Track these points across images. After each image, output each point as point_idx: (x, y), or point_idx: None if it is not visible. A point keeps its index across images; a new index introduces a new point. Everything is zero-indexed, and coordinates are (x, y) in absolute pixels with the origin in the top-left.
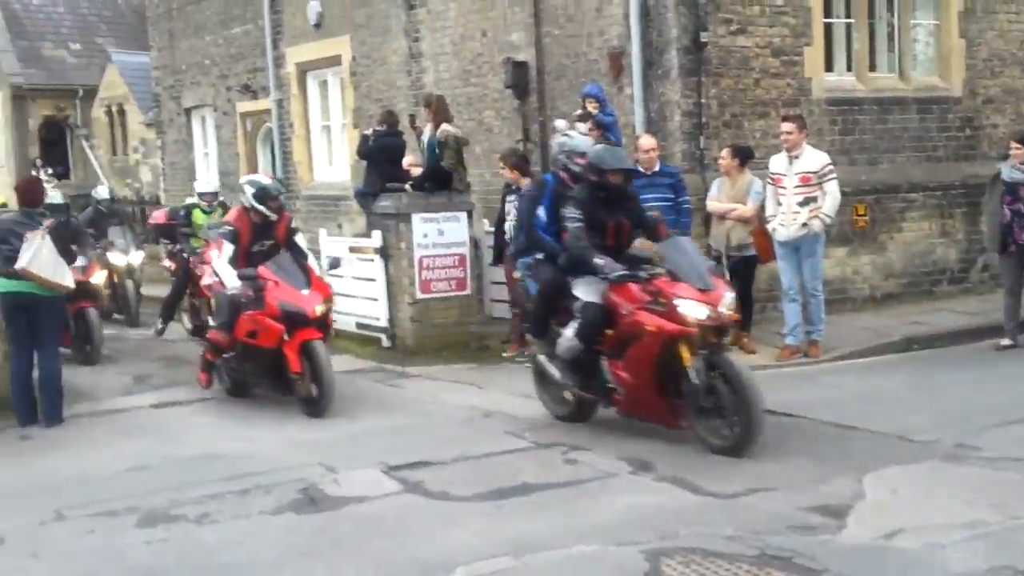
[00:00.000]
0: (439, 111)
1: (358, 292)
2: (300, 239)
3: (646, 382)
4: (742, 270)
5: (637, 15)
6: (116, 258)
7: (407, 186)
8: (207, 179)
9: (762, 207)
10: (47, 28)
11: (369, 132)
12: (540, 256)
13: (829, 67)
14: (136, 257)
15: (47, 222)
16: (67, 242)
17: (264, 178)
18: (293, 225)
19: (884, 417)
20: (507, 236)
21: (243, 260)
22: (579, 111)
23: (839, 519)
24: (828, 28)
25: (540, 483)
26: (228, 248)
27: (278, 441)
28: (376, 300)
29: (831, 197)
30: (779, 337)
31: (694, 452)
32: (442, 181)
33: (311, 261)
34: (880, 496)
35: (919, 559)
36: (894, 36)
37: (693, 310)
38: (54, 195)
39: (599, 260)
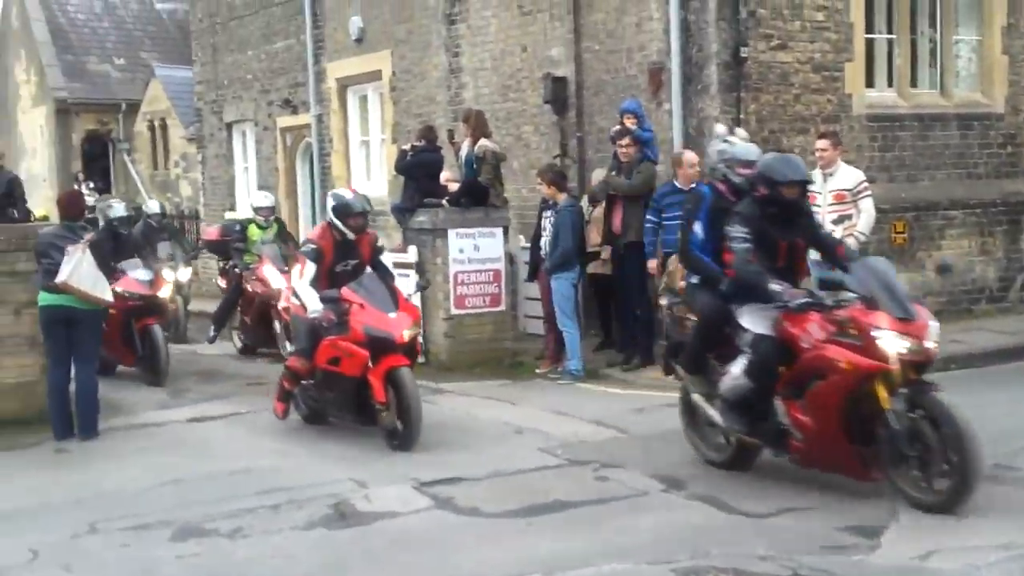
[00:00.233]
0: (478, 126)
1: None
2: (386, 258)
3: (832, 427)
4: None
5: (677, 30)
6: (166, 274)
7: (444, 201)
8: (264, 193)
9: None
10: (92, 43)
11: (407, 148)
12: (695, 280)
13: (870, 83)
14: (185, 273)
15: (88, 236)
16: (109, 256)
17: (347, 192)
18: (379, 243)
19: None
20: (542, 252)
21: (325, 281)
22: (617, 126)
23: (873, 539)
24: (869, 44)
25: (572, 500)
26: (310, 268)
27: (310, 456)
28: None
29: (866, 215)
30: None
31: (726, 472)
32: (479, 196)
33: (398, 282)
34: (915, 517)
35: None
36: (936, 52)
37: (894, 343)
38: (118, 207)
39: (776, 286)
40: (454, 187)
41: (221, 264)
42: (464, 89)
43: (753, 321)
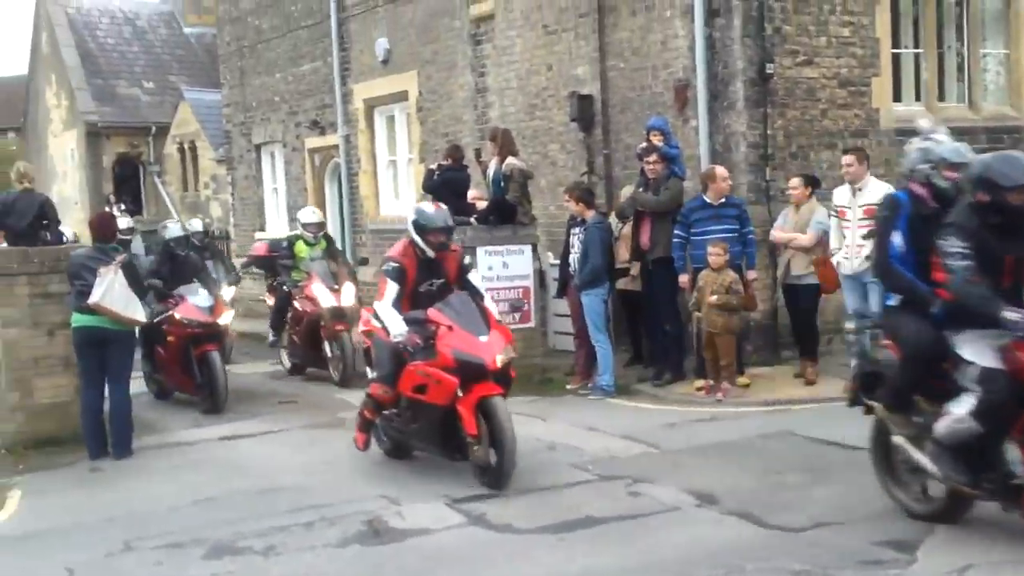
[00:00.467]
0: (504, 144)
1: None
2: (475, 277)
3: None
4: (801, 299)
5: (703, 47)
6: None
7: (472, 219)
8: (311, 208)
9: (827, 238)
10: (121, 67)
11: (434, 167)
12: (894, 302)
13: (897, 97)
14: (228, 292)
15: (119, 257)
16: (140, 278)
17: (428, 206)
18: (466, 261)
19: None
20: (571, 269)
21: (408, 302)
22: (644, 144)
23: (909, 554)
24: (896, 58)
25: (604, 516)
26: (391, 288)
27: (343, 473)
28: None
29: None
30: (845, 369)
31: (759, 485)
32: (507, 214)
33: (487, 302)
34: (951, 531)
35: None
36: (963, 66)
37: None
38: (174, 227)
39: (1012, 314)
40: (482, 205)
41: (269, 281)
42: (490, 108)
43: (976, 352)
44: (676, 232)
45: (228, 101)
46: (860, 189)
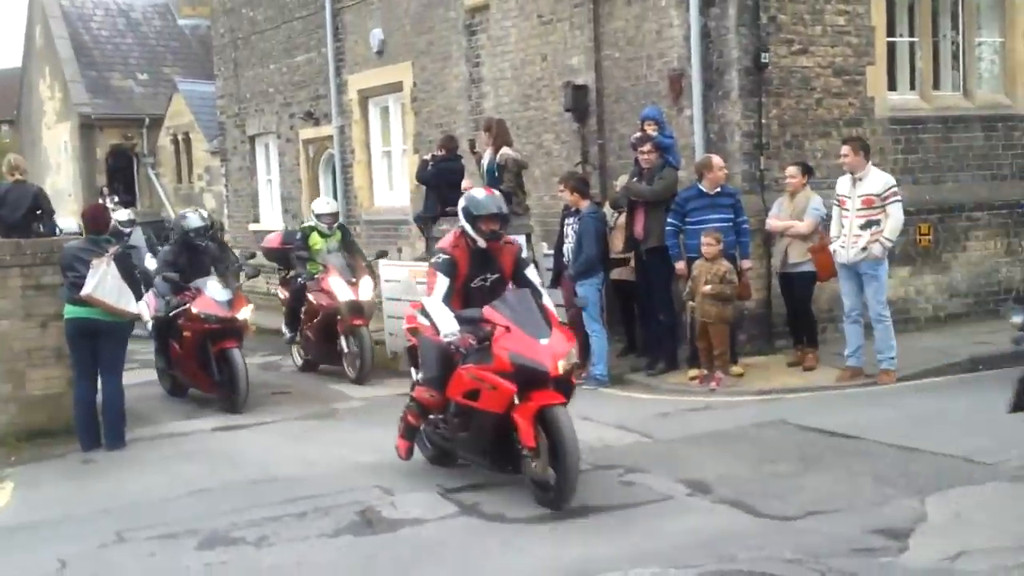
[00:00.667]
0: (499, 135)
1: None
2: (533, 272)
3: None
4: (798, 286)
5: (698, 37)
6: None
7: None
8: (326, 199)
9: (826, 226)
10: (115, 58)
11: (428, 157)
12: None
13: (892, 86)
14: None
15: (112, 249)
16: (133, 270)
17: (479, 191)
18: (524, 254)
19: (948, 438)
20: (565, 259)
21: (458, 299)
22: (638, 133)
23: (901, 541)
24: (891, 47)
25: (597, 505)
26: (441, 282)
27: (336, 463)
28: None
29: (892, 220)
30: (840, 358)
31: (752, 474)
32: None
33: (546, 300)
34: (943, 518)
35: None
36: (958, 54)
37: None
38: (193, 217)
39: None
40: None
41: (282, 274)
42: (485, 99)
43: None
44: (669, 220)
45: (222, 92)
46: (860, 179)
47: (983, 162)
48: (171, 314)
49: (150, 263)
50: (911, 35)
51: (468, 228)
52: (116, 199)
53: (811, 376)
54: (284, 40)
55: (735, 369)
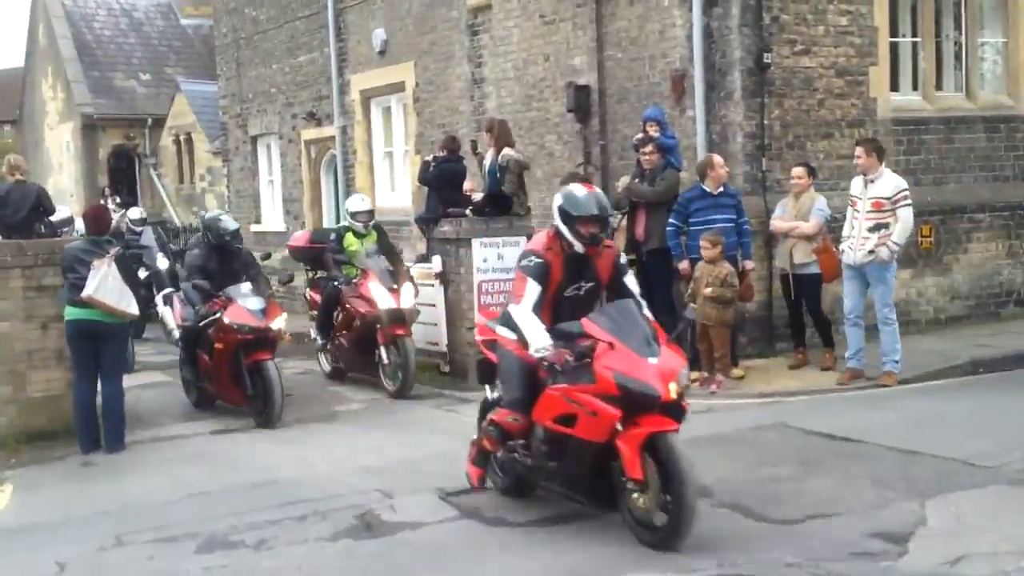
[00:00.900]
0: (501, 135)
1: (418, 317)
2: (632, 280)
3: None
4: (806, 288)
5: (700, 37)
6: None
7: (468, 211)
8: (360, 196)
9: (831, 227)
10: (118, 59)
11: (430, 158)
12: None
13: (895, 87)
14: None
15: (113, 250)
16: (134, 271)
17: (579, 189)
18: (623, 259)
19: (948, 442)
20: None
21: (547, 310)
22: (640, 134)
23: (901, 545)
24: (894, 47)
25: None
26: (532, 289)
27: (335, 467)
28: (436, 325)
29: (901, 224)
30: (841, 360)
31: (753, 477)
32: (503, 206)
33: (646, 310)
34: (944, 522)
35: None
36: (961, 55)
37: None
38: (227, 220)
39: None
40: (477, 197)
41: (310, 275)
42: (487, 99)
43: None
44: (671, 221)
45: (224, 93)
46: (872, 181)
47: (985, 163)
48: (200, 324)
49: (162, 263)
50: (914, 35)
51: (564, 230)
52: (118, 200)
53: (811, 379)
54: (286, 40)
55: (735, 372)
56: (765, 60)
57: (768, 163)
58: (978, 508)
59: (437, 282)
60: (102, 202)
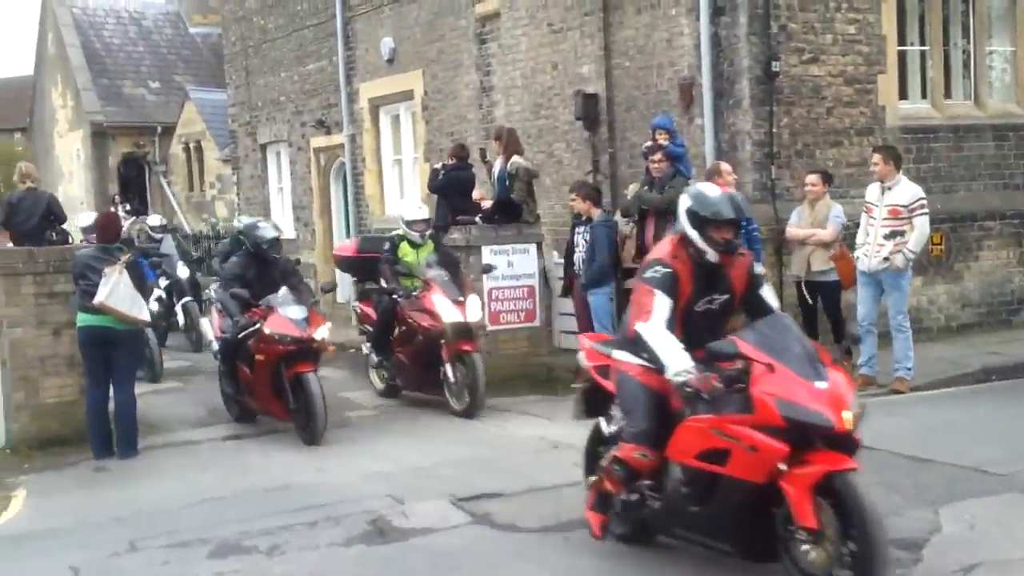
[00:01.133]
0: (510, 143)
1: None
2: (770, 292)
3: None
4: (825, 295)
5: (708, 45)
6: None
7: (477, 219)
8: (417, 203)
9: (849, 233)
10: (127, 67)
11: (439, 166)
12: None
13: (903, 95)
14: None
15: (124, 257)
16: (143, 278)
17: (711, 189)
18: (758, 269)
19: (961, 449)
20: (576, 268)
21: (678, 327)
22: (649, 142)
23: (915, 553)
24: (902, 56)
25: None
26: (662, 304)
27: (347, 472)
28: None
29: (917, 232)
30: (853, 367)
31: None
32: (512, 213)
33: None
34: (957, 529)
35: None
36: (970, 63)
37: None
38: (266, 228)
39: None
40: (486, 204)
41: (359, 286)
42: (495, 107)
43: None
44: None
45: (233, 101)
46: (889, 188)
47: (995, 171)
48: (240, 335)
49: (182, 271)
50: (922, 44)
51: (694, 236)
52: (128, 207)
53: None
54: (295, 48)
55: None
56: (773, 68)
57: (777, 171)
58: (991, 516)
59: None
60: (113, 209)
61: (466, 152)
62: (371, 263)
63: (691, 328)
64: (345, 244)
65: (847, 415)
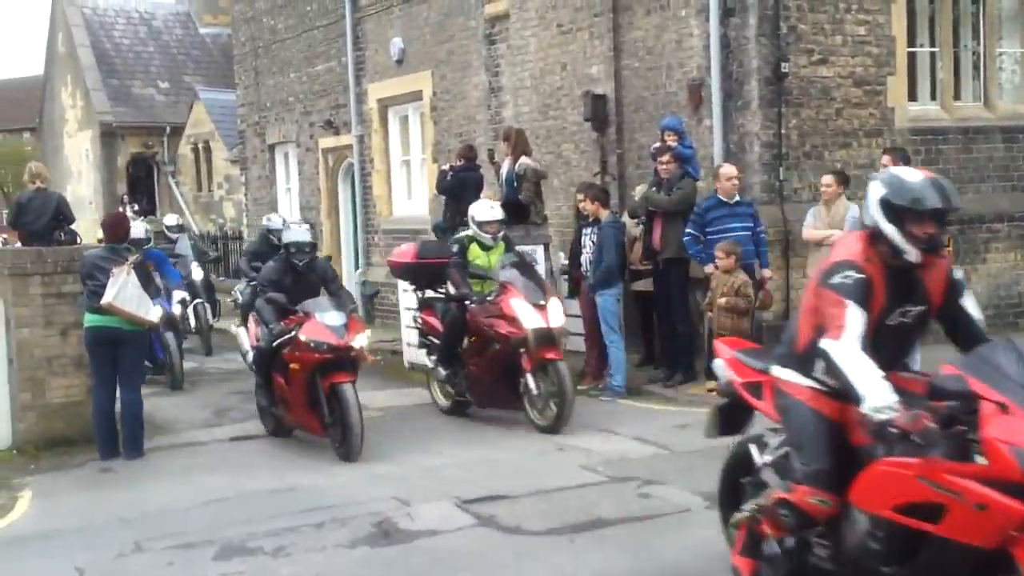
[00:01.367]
0: (518, 144)
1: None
2: (972, 303)
3: None
4: None
5: (717, 46)
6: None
7: None
8: (488, 203)
9: None
10: (137, 67)
11: (447, 167)
12: None
13: (913, 96)
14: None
15: (132, 257)
16: (151, 279)
17: (910, 172)
18: (958, 275)
19: None
20: (583, 269)
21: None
22: (658, 144)
23: None
24: (912, 57)
25: (614, 518)
26: (855, 317)
27: (353, 474)
28: None
29: None
30: None
31: None
32: (520, 214)
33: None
34: None
35: None
36: (979, 64)
37: None
38: (298, 231)
39: None
40: None
41: (419, 295)
42: (504, 108)
43: None
44: (688, 231)
45: (243, 101)
46: None
47: (1004, 173)
48: (275, 344)
49: (196, 273)
50: (932, 45)
51: (891, 232)
52: (136, 207)
53: None
54: (304, 49)
55: None
56: (782, 69)
57: (785, 172)
58: None
59: None
60: (121, 210)
61: (474, 153)
62: (432, 269)
63: (880, 345)
64: (403, 250)
65: None
